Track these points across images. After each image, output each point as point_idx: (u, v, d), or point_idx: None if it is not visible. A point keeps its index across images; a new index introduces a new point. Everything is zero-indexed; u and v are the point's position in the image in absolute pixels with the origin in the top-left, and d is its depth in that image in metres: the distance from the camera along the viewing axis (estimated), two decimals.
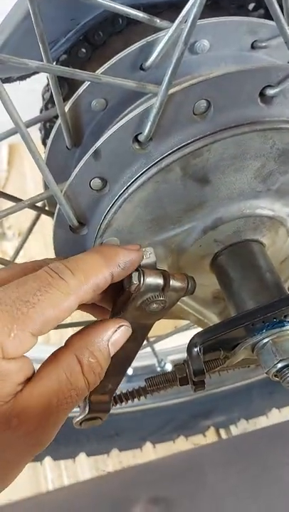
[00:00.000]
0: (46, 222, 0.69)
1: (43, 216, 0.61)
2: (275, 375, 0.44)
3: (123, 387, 0.57)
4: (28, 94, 0.78)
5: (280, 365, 0.42)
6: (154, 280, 0.44)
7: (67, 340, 0.41)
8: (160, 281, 0.45)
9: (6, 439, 0.35)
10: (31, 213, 0.52)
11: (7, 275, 0.41)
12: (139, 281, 0.44)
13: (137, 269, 0.45)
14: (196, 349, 0.43)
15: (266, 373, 0.44)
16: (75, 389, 0.38)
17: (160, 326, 0.55)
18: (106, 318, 0.44)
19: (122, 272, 0.42)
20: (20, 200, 0.53)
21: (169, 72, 0.38)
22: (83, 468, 1.10)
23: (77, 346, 0.39)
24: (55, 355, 0.39)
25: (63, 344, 0.40)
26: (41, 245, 1.50)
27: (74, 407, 0.38)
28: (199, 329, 0.49)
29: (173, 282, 0.45)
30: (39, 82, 0.65)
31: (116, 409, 0.60)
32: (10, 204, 0.50)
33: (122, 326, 0.42)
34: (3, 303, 0.35)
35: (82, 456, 1.05)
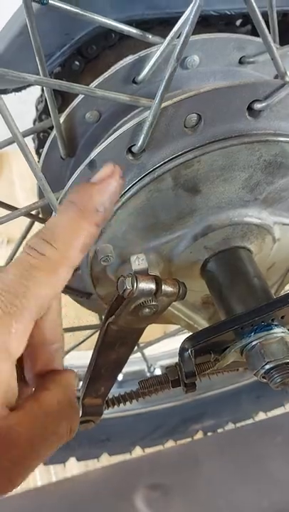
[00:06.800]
0: (34, 229, 0.70)
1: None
2: (263, 377, 0.45)
3: (113, 392, 0.58)
4: (19, 105, 0.80)
5: (267, 367, 0.44)
6: (146, 285, 0.46)
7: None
8: (152, 286, 0.46)
9: None
10: (20, 220, 0.53)
11: None
12: (133, 286, 0.45)
13: (130, 275, 0.46)
14: (187, 352, 0.44)
15: (254, 375, 0.45)
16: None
17: (150, 332, 0.57)
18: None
19: (107, 212, 0.38)
20: (15, 208, 0.54)
21: (162, 87, 0.40)
22: (73, 473, 1.10)
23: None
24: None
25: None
26: None
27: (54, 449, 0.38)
28: (188, 334, 0.50)
29: (165, 287, 0.47)
30: (29, 93, 0.66)
31: (108, 414, 0.60)
32: (2, 211, 0.51)
33: None
34: None
35: (72, 461, 1.05)
